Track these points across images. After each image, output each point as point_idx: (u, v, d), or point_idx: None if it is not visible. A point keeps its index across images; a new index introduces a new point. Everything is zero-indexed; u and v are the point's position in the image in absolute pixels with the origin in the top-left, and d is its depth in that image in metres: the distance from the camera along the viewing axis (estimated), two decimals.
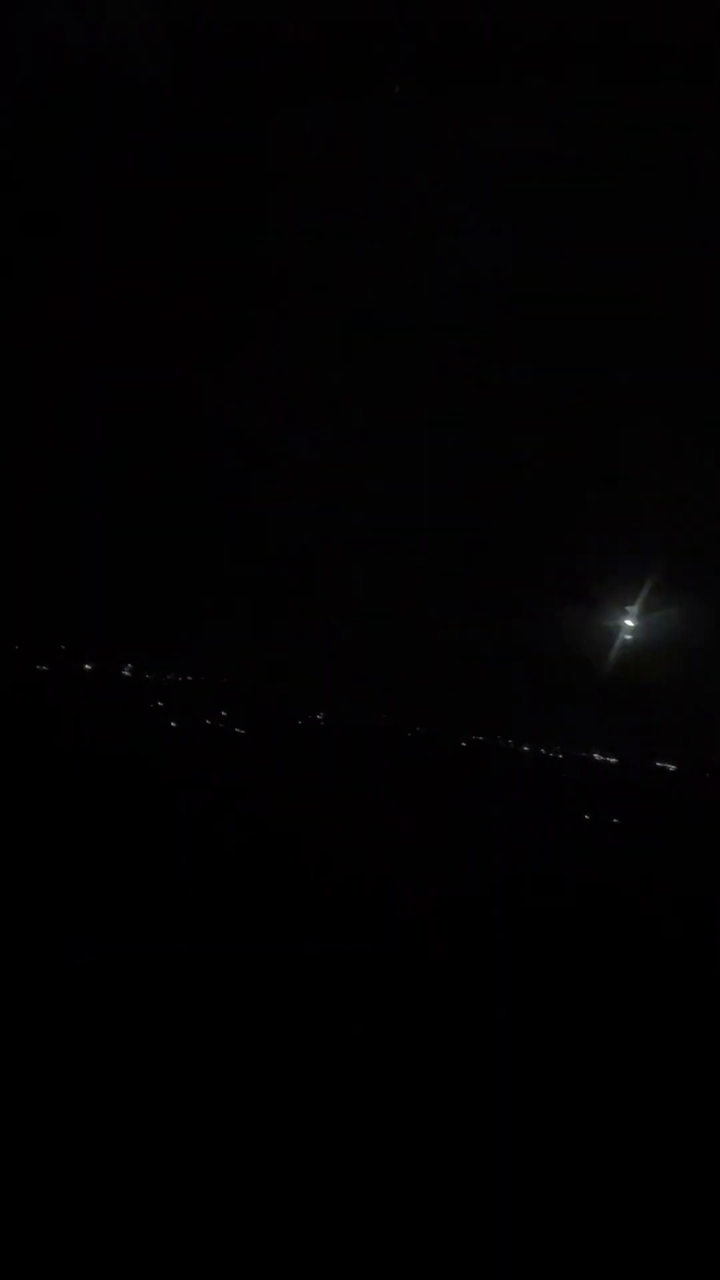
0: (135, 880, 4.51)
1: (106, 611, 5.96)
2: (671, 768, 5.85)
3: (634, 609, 5.36)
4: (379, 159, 5.82)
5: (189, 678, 6.86)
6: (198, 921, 4.04)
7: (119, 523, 5.89)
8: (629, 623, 5.29)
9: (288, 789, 5.56)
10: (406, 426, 5.64)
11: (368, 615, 5.61)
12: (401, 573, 5.60)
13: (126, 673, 6.26)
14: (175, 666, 6.32)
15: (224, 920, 4.10)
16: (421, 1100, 3.41)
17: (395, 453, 5.85)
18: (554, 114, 5.33)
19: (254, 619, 5.87)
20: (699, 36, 4.87)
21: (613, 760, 5.81)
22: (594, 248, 5.33)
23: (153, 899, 4.48)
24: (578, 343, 5.37)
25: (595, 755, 5.90)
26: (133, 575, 6.23)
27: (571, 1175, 3.17)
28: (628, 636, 5.28)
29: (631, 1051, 3.69)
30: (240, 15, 5.13)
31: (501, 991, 3.85)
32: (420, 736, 6.38)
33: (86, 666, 7.41)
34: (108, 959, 3.84)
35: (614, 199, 5.30)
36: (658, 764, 6.03)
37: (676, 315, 5.37)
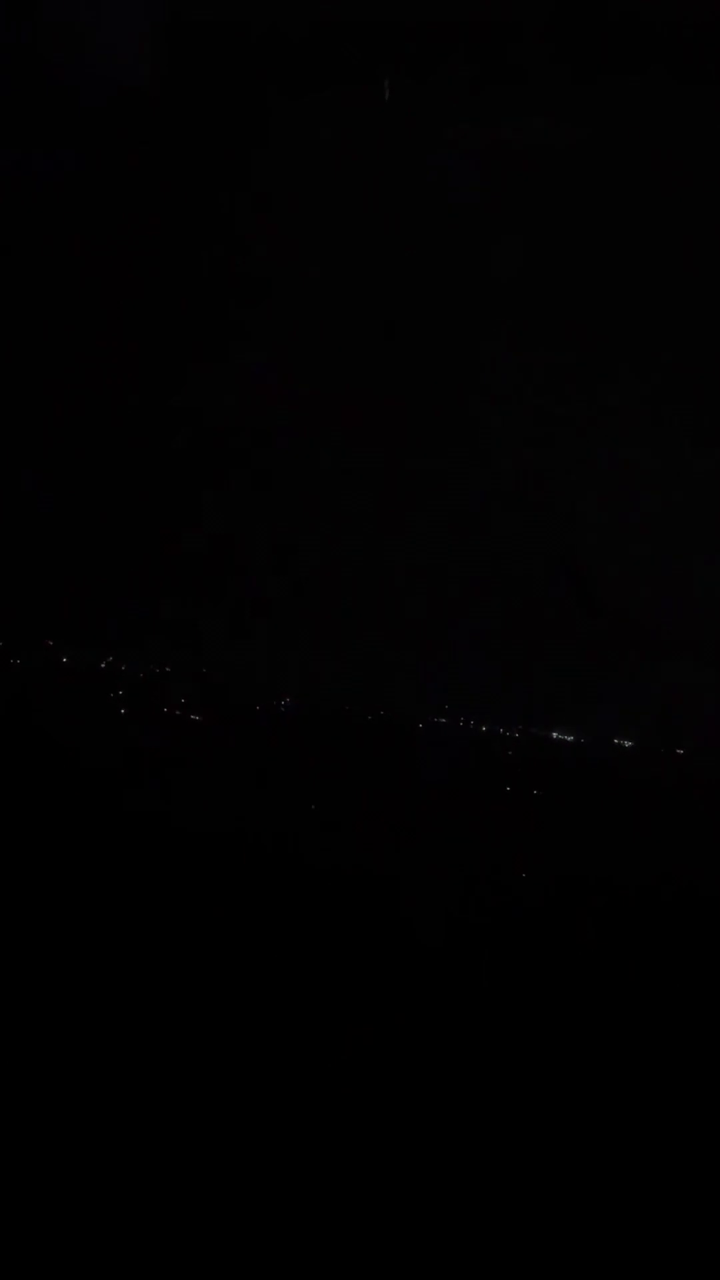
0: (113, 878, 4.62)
1: (80, 601, 5.90)
2: (628, 744, 5.46)
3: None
4: (378, 159, 5.80)
5: (157, 669, 6.76)
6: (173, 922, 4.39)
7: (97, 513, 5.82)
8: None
9: (252, 776, 5.57)
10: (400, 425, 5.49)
11: (337, 598, 5.40)
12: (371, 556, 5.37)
13: (102, 665, 6.19)
14: (141, 656, 6.24)
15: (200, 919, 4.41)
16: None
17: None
18: (554, 112, 5.34)
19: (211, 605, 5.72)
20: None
21: (570, 739, 5.47)
22: (596, 248, 5.18)
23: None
24: (579, 345, 5.18)
25: (554, 734, 5.56)
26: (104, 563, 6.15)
27: (571, 1175, 3.45)
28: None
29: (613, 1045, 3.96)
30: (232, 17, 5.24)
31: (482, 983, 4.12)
32: (384, 721, 6.16)
33: (63, 659, 7.37)
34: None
35: (615, 199, 5.13)
36: (616, 741, 5.63)
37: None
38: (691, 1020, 3.96)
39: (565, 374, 5.39)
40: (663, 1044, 3.88)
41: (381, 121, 5.55)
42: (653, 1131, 3.67)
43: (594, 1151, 3.60)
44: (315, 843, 4.83)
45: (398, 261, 5.63)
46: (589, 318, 5.41)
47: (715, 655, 4.94)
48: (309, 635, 5.65)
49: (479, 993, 4.11)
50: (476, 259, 5.49)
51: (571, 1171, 3.56)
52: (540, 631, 5.24)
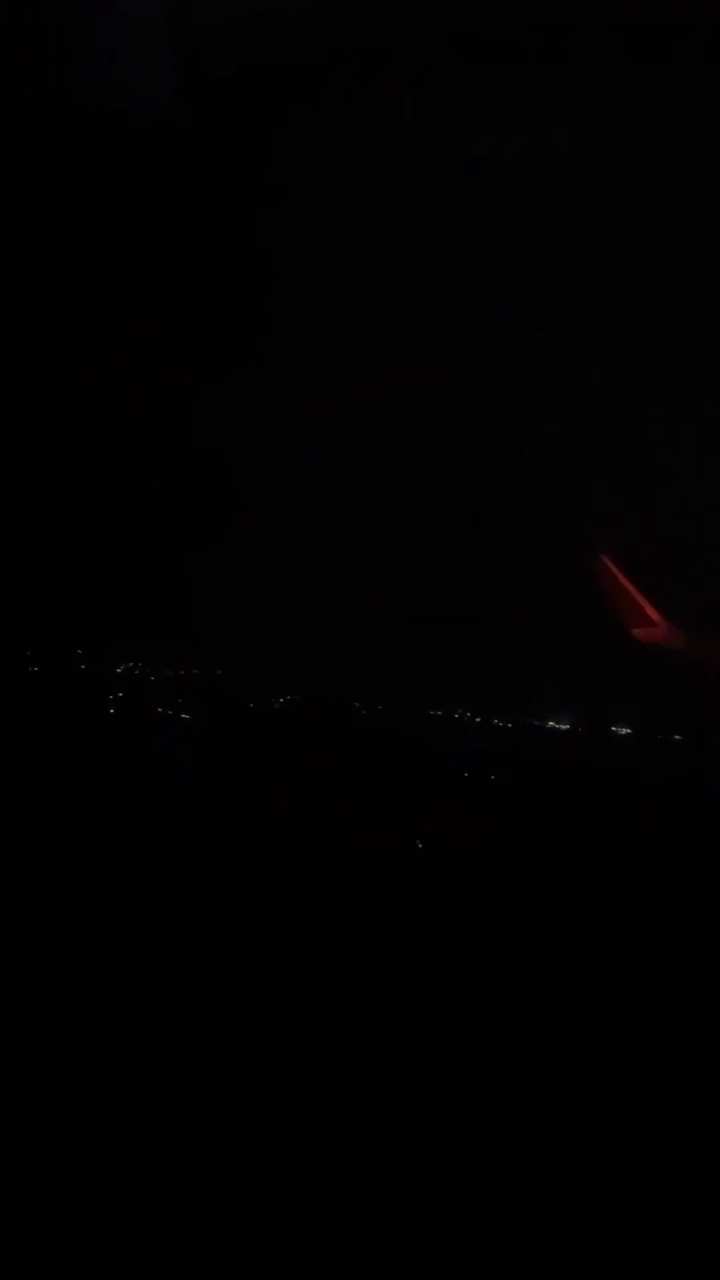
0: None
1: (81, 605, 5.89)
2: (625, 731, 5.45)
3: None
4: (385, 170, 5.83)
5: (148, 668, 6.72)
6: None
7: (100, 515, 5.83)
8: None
9: (251, 775, 5.53)
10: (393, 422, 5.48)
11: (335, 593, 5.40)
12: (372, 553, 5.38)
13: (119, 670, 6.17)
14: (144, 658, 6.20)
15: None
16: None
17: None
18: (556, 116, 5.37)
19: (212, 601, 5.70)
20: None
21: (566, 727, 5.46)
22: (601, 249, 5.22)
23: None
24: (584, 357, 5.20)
25: (551, 723, 5.55)
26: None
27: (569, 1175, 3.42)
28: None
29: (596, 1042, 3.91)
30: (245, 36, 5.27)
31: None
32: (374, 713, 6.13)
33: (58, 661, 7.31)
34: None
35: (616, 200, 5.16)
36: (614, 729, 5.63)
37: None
38: (691, 1015, 3.93)
39: (572, 367, 5.37)
40: (662, 1041, 3.85)
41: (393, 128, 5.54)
42: (652, 1131, 3.65)
43: (594, 1151, 3.55)
44: (314, 841, 4.80)
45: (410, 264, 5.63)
46: (608, 323, 5.41)
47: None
48: (307, 633, 5.64)
49: (479, 990, 4.08)
50: (491, 262, 5.48)
51: (572, 1171, 3.51)
52: (543, 623, 5.23)
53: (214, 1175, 3.46)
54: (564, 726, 5.07)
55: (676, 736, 4.85)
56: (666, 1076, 3.76)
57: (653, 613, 5.15)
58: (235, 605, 5.67)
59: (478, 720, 5.16)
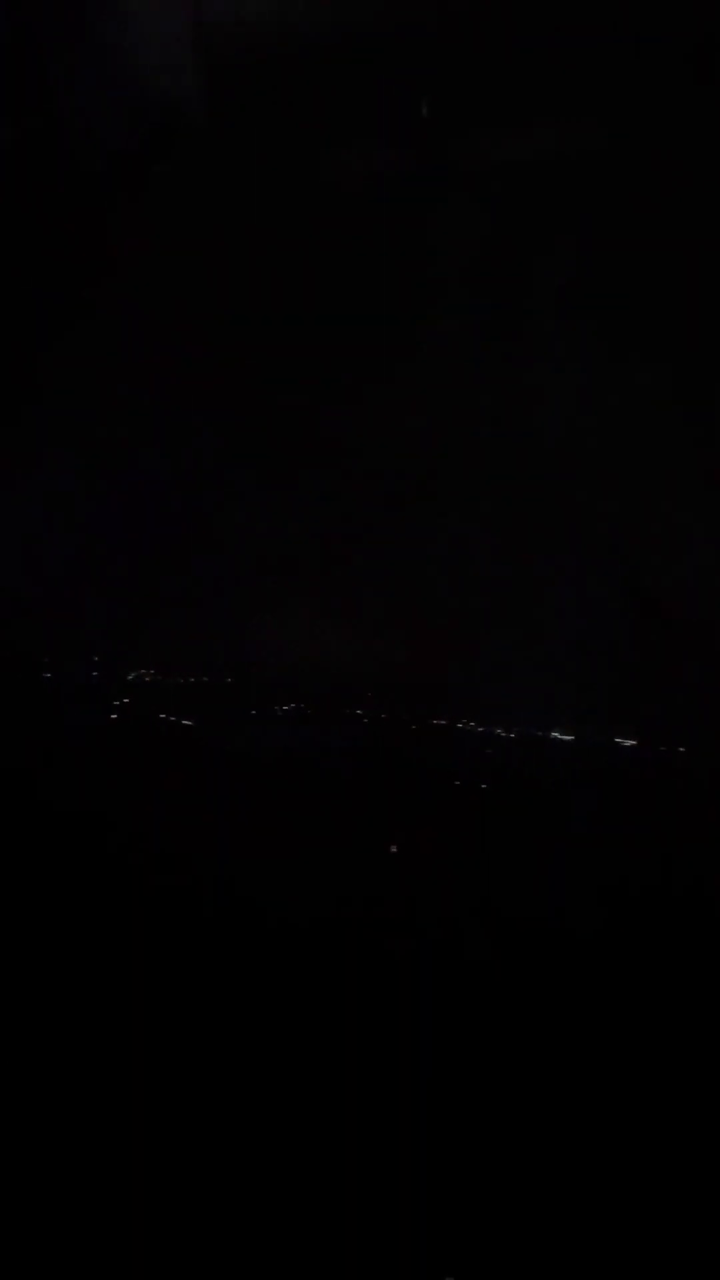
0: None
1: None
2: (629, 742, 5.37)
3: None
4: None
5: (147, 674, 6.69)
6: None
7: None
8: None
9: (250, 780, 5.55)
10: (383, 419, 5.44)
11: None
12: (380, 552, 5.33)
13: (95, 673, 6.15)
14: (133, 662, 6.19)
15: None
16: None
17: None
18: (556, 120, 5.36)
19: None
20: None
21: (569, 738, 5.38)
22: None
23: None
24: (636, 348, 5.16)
25: (554, 733, 5.47)
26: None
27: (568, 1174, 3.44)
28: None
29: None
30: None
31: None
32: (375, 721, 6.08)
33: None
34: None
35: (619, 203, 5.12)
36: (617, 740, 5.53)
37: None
38: (692, 1019, 3.91)
39: (611, 369, 5.34)
40: (662, 1044, 3.83)
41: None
42: (652, 1130, 3.62)
43: (593, 1149, 3.55)
44: (314, 843, 4.82)
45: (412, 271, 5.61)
46: (625, 327, 5.38)
47: None
48: (310, 634, 5.63)
49: (479, 997, 4.07)
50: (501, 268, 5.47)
51: (571, 1173, 3.51)
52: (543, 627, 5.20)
53: (214, 1174, 3.51)
54: (568, 738, 5.03)
55: (680, 749, 4.80)
56: (665, 1091, 3.73)
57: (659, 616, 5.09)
58: (234, 607, 5.67)
59: (480, 731, 5.12)
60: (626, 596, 5.19)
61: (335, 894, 4.48)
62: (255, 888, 4.59)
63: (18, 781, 5.14)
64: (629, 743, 4.82)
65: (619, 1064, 3.77)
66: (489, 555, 5.49)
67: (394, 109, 5.52)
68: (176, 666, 5.96)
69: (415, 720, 5.37)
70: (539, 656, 5.21)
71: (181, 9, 5.44)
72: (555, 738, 4.98)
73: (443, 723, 5.21)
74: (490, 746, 5.04)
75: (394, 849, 4.67)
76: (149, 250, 5.81)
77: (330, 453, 5.70)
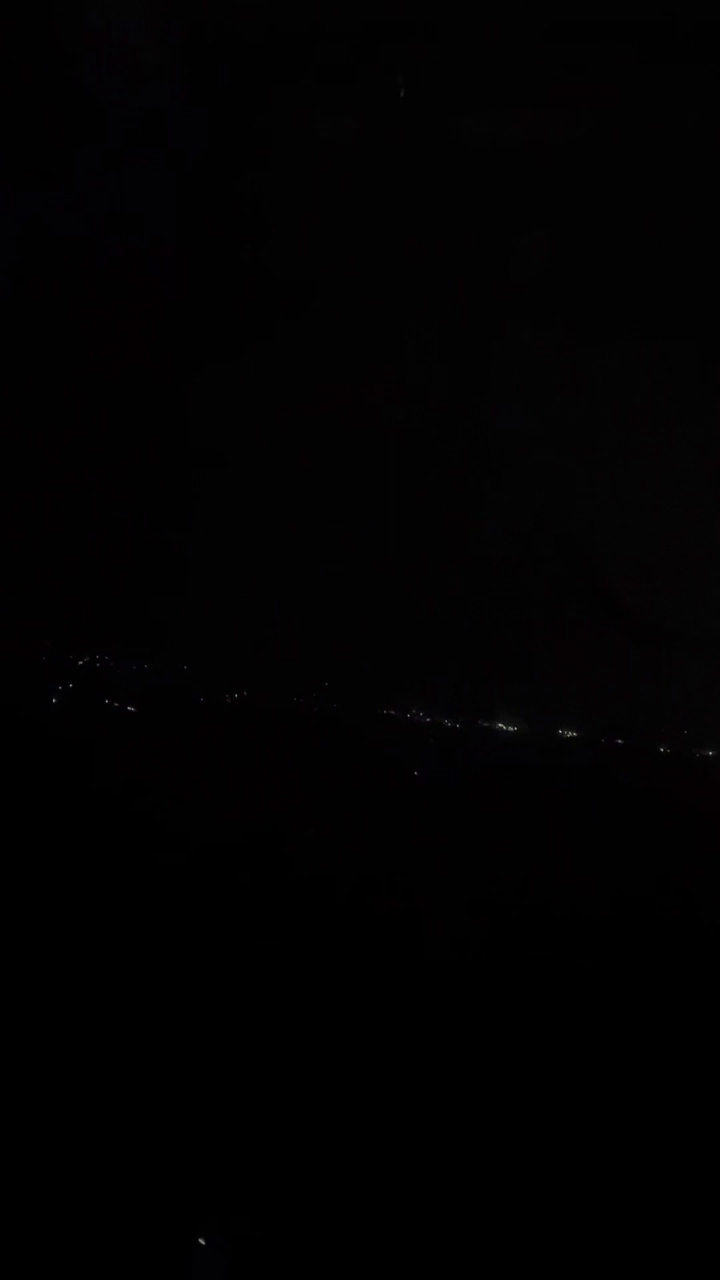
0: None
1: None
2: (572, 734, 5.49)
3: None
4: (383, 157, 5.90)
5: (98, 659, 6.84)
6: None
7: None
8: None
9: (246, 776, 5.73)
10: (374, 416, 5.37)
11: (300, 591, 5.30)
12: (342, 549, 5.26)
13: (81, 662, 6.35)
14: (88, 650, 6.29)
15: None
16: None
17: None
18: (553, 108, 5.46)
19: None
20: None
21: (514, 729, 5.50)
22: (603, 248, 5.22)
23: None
24: (596, 342, 5.16)
25: (500, 725, 5.60)
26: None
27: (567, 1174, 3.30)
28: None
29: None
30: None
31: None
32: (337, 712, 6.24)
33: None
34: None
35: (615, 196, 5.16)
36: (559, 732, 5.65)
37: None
38: (691, 1015, 4.00)
39: (579, 368, 5.43)
40: (662, 1039, 3.90)
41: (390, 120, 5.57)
42: (652, 1130, 3.63)
43: (594, 1149, 3.55)
44: (310, 841, 4.99)
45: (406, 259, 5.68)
46: (606, 316, 5.44)
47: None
48: (302, 635, 5.74)
49: (479, 991, 4.18)
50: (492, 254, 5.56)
51: (572, 1172, 3.50)
52: (541, 628, 5.32)
53: (214, 1175, 3.45)
54: (570, 734, 5.14)
55: (664, 749, 4.94)
56: (662, 1088, 3.79)
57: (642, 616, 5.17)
58: (233, 607, 5.86)
59: (459, 724, 5.29)
60: (588, 593, 5.28)
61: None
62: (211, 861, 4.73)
63: None
64: (620, 741, 4.88)
65: (619, 1064, 3.81)
66: (448, 555, 5.59)
67: (382, 92, 5.52)
68: (138, 654, 6.16)
69: (366, 711, 5.55)
70: (457, 652, 5.37)
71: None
72: (561, 735, 5.06)
73: (392, 713, 5.38)
74: (433, 737, 5.28)
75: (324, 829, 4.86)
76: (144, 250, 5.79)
77: (310, 448, 5.72)
